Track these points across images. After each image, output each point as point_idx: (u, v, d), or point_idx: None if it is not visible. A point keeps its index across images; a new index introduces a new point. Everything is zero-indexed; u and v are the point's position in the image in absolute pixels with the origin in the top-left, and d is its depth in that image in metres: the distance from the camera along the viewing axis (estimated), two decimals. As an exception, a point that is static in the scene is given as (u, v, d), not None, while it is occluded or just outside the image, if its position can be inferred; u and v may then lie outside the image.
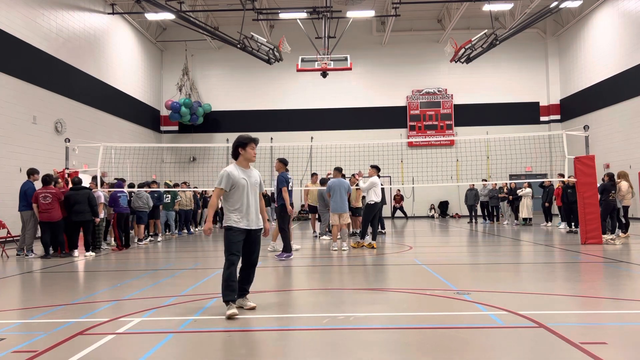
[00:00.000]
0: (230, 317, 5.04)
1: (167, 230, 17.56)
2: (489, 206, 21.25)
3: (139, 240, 13.75)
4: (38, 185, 11.86)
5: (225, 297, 5.24)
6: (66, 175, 12.67)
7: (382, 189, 12.54)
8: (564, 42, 27.17)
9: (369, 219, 11.50)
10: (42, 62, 17.30)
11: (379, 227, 14.80)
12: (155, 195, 15.06)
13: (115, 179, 14.68)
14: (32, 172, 11.53)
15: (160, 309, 5.60)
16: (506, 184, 21.08)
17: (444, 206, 27.80)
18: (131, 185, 14.13)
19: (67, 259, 10.63)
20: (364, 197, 13.35)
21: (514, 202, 20.13)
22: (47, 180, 11.12)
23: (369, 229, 11.61)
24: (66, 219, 11.17)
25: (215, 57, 28.36)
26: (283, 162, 10.42)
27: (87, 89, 20.34)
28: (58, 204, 10.88)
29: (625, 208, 13.60)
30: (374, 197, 11.41)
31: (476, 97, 27.81)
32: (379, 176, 11.89)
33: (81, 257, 10.95)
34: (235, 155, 5.55)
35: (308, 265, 9.31)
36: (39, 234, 12.05)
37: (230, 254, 5.31)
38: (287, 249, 10.01)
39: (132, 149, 20.12)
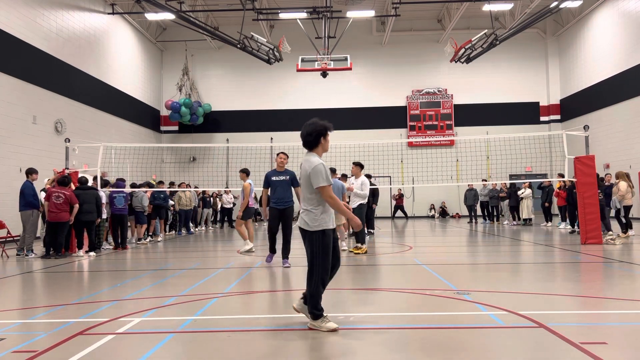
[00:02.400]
0: (335, 330, 4.53)
1: (167, 230, 17.59)
2: (489, 206, 21.26)
3: (138, 240, 13.76)
4: (38, 185, 11.87)
5: (319, 312, 4.61)
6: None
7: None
8: (564, 42, 27.17)
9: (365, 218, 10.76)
10: (42, 62, 17.30)
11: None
12: (162, 195, 15.07)
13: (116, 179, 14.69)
14: (30, 172, 11.53)
15: (160, 309, 5.60)
16: (505, 184, 21.06)
17: (444, 212, 27.84)
18: (134, 185, 14.15)
19: (67, 259, 10.63)
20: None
21: (510, 202, 20.12)
22: (65, 181, 11.13)
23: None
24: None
25: (215, 57, 28.36)
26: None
27: (87, 89, 20.33)
28: (68, 205, 10.88)
29: (627, 208, 13.57)
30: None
31: (476, 97, 27.81)
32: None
33: (83, 256, 10.95)
34: (315, 144, 4.73)
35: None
36: (38, 234, 12.06)
37: (328, 262, 4.72)
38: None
39: (132, 149, 20.11)
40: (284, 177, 9.04)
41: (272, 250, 9.30)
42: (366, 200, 10.89)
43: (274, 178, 9.07)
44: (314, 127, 4.71)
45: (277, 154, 9.31)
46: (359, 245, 10.55)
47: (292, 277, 8.01)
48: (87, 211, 11.18)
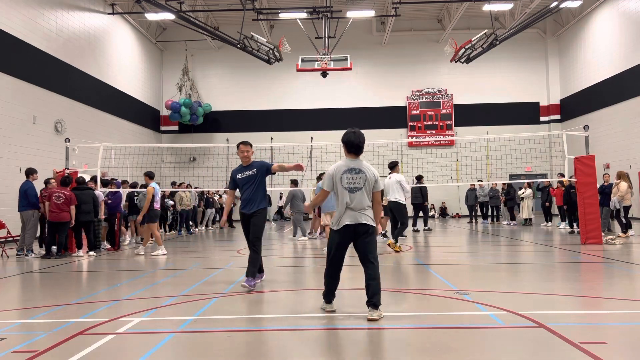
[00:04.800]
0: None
1: (167, 230, 17.58)
2: (489, 206, 21.24)
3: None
4: (38, 185, 11.87)
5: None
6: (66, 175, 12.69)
7: None
8: (564, 42, 27.17)
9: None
10: (42, 62, 17.30)
11: None
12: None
13: (112, 179, 14.71)
14: (30, 172, 11.54)
15: (160, 309, 5.60)
16: (505, 184, 21.05)
17: (444, 212, 27.89)
18: (134, 185, 14.15)
19: (67, 259, 10.63)
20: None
21: (507, 202, 20.13)
22: (66, 181, 11.14)
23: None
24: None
25: (215, 57, 28.36)
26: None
27: (87, 89, 20.34)
28: (68, 205, 10.88)
29: (626, 208, 13.58)
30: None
31: (476, 97, 27.81)
32: None
33: (83, 256, 10.95)
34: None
35: (306, 265, 9.30)
36: (39, 233, 12.04)
37: None
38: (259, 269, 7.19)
39: (132, 149, 20.11)
40: (250, 172, 6.87)
41: (250, 272, 6.71)
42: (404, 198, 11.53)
43: (239, 175, 6.94)
44: (362, 134, 5.30)
45: (238, 145, 7.02)
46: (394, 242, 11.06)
47: (292, 277, 8.01)
48: (85, 211, 11.19)
